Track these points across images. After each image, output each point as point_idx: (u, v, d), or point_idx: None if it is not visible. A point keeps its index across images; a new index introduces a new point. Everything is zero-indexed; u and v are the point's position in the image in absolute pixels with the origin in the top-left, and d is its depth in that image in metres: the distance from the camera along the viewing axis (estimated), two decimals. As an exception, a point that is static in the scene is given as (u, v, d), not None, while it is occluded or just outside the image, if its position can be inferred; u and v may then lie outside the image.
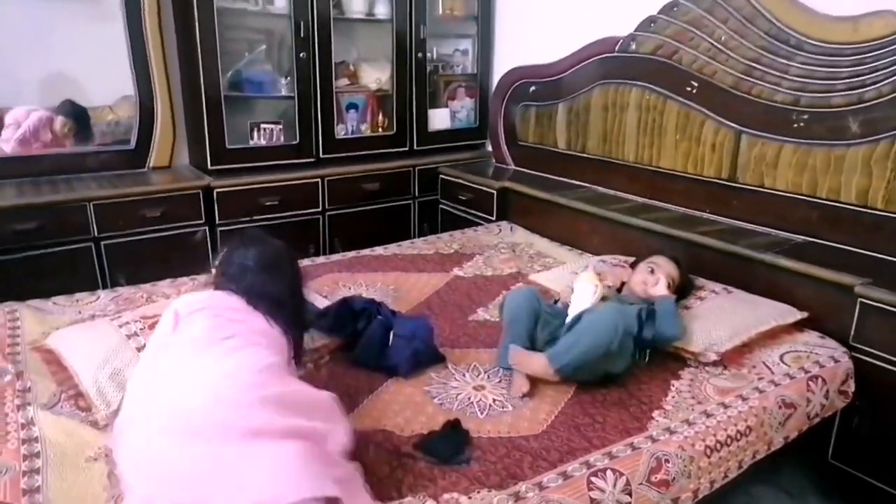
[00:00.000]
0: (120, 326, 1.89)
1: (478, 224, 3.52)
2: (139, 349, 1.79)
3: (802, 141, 2.41)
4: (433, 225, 3.83)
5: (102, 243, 2.92)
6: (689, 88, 2.77)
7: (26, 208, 2.75)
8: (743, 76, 2.57)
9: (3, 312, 2.18)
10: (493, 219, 3.46)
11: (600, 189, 3.23)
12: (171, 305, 1.63)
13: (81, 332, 1.90)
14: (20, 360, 1.88)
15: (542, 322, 1.99)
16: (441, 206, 3.82)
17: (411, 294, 2.52)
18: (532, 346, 1.95)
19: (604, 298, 2.10)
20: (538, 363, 1.83)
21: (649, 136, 2.97)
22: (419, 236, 3.76)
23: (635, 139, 3.04)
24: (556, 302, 2.21)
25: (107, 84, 3.19)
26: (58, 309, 2.27)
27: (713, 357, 1.96)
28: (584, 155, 3.32)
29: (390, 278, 2.66)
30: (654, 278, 2.14)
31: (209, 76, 3.10)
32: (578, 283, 2.07)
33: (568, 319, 2.00)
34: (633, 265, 2.32)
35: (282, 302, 1.66)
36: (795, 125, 2.41)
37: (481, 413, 1.74)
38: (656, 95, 2.90)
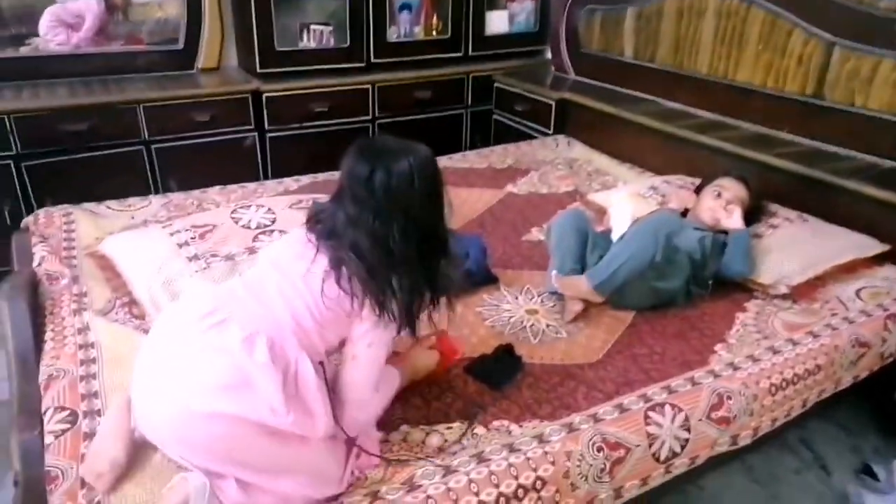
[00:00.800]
0: (171, 235, 1.88)
1: (532, 137, 3.36)
2: (190, 259, 1.78)
3: (905, 55, 2.16)
4: (486, 138, 3.67)
5: (153, 147, 2.90)
6: (778, -9, 2.49)
7: (78, 109, 2.72)
8: (843, -22, 2.29)
9: (58, 216, 2.19)
10: (551, 132, 3.29)
11: (668, 103, 3.01)
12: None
13: (134, 238, 1.90)
14: (76, 264, 1.90)
15: (591, 244, 1.90)
16: (495, 117, 3.65)
17: (462, 210, 2.43)
18: (582, 270, 1.88)
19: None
20: (578, 283, 1.76)
21: (727, 45, 2.72)
22: (471, 146, 3.64)
23: (710, 49, 2.79)
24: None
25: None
26: (111, 213, 2.27)
27: (784, 290, 1.84)
28: (653, 66, 3.08)
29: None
30: (722, 204, 2.00)
31: (258, -28, 2.94)
32: (614, 206, 1.96)
33: (614, 239, 1.91)
34: (697, 189, 2.17)
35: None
36: (900, 37, 2.16)
37: (534, 338, 1.69)
38: (739, 0, 2.63)
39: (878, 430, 2.14)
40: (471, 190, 2.61)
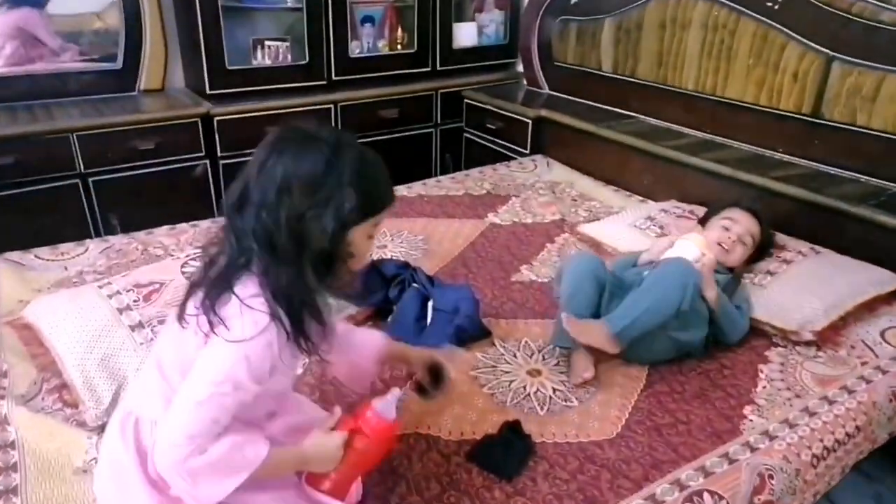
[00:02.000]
0: (110, 297, 1.60)
1: (507, 157, 3.16)
2: (133, 327, 1.51)
3: (912, 71, 2.02)
4: (456, 156, 3.46)
5: (90, 180, 2.59)
6: (770, 4, 2.34)
7: (1, 140, 2.40)
8: (841, -10, 2.15)
9: (-25, 271, 1.88)
10: (527, 152, 3.10)
11: (651, 120, 2.85)
12: None
13: (65, 303, 1.60)
14: (-6, 335, 1.60)
15: (609, 294, 1.69)
16: (466, 134, 3.44)
17: (443, 246, 2.21)
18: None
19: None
20: (596, 329, 1.55)
21: (715, 59, 2.56)
22: (441, 169, 3.43)
23: (697, 63, 2.63)
24: (634, 264, 1.87)
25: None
26: (40, 264, 1.97)
27: (808, 336, 1.67)
28: (634, 80, 2.91)
29: (418, 226, 2.35)
30: (732, 238, 1.82)
31: (204, -20, 2.67)
32: (682, 241, 1.76)
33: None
34: (702, 220, 1.99)
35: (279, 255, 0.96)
36: (905, 52, 2.03)
37: (541, 408, 1.47)
38: (727, 11, 2.47)
39: (896, 474, 2.00)
40: (450, 221, 2.38)
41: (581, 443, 1.37)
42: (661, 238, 1.98)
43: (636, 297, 1.58)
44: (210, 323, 0.96)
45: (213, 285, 0.98)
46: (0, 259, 1.96)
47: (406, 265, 1.83)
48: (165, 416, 0.96)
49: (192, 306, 1.00)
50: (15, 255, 1.99)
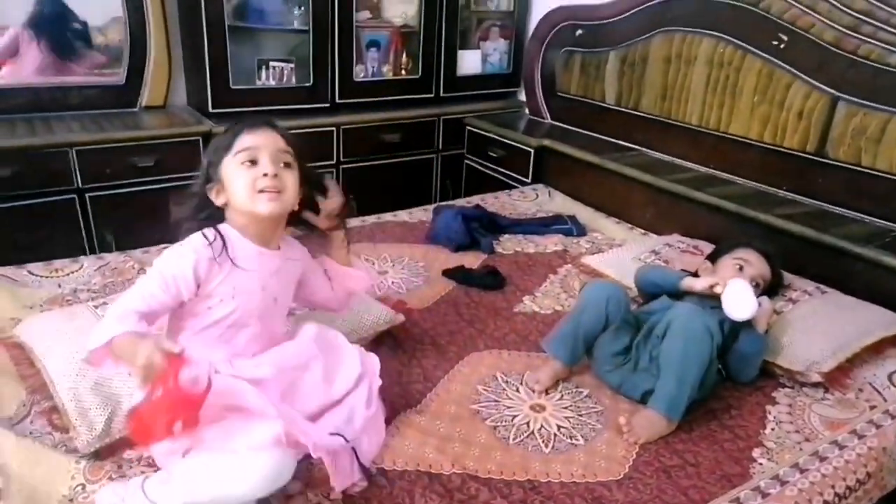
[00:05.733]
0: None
1: (508, 185, 3.15)
2: (128, 350, 1.46)
3: (917, 114, 2.03)
4: (457, 183, 3.45)
5: (87, 195, 2.55)
6: (776, 42, 2.35)
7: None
8: (848, 31, 2.16)
9: (-32, 285, 1.83)
10: (528, 181, 3.09)
11: (654, 153, 2.84)
12: None
13: (59, 322, 1.55)
14: (-17, 353, 1.55)
15: (615, 330, 1.65)
16: (467, 161, 3.43)
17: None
18: (586, 351, 1.67)
19: (680, 297, 1.76)
20: (657, 423, 1.48)
21: (720, 95, 2.57)
22: (441, 196, 3.41)
23: (702, 98, 2.64)
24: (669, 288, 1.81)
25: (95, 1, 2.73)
26: (34, 281, 1.92)
27: (816, 378, 1.64)
28: (637, 112, 2.92)
29: (418, 252, 2.32)
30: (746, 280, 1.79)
31: (212, 1, 2.66)
32: (740, 287, 1.65)
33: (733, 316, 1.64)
34: (711, 256, 1.97)
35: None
36: (911, 95, 2.04)
37: (546, 446, 1.43)
38: (733, 49, 2.49)
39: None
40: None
41: (588, 483, 1.33)
42: (702, 267, 1.90)
43: (676, 368, 1.50)
44: None
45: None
46: (-8, 274, 1.91)
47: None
48: None
49: None
50: (8, 271, 1.95)
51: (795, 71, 2.32)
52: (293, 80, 2.99)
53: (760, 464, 1.41)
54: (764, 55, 2.40)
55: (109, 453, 1.30)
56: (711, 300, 1.69)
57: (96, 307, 1.59)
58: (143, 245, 2.18)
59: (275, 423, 1.15)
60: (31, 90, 2.66)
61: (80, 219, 2.55)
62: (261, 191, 1.25)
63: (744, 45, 2.45)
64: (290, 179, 1.29)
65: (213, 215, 1.31)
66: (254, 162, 1.26)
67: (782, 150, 2.39)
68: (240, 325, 1.31)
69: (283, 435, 1.13)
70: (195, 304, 1.28)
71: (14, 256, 2.04)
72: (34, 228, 2.44)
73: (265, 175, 1.25)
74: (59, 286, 1.91)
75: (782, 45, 2.34)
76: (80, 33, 2.75)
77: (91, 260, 2.08)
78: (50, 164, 2.45)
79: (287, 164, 1.30)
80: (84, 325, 1.51)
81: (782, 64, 2.35)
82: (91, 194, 2.55)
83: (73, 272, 1.99)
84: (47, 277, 1.95)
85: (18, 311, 1.73)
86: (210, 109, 2.79)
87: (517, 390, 1.61)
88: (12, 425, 1.34)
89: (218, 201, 1.30)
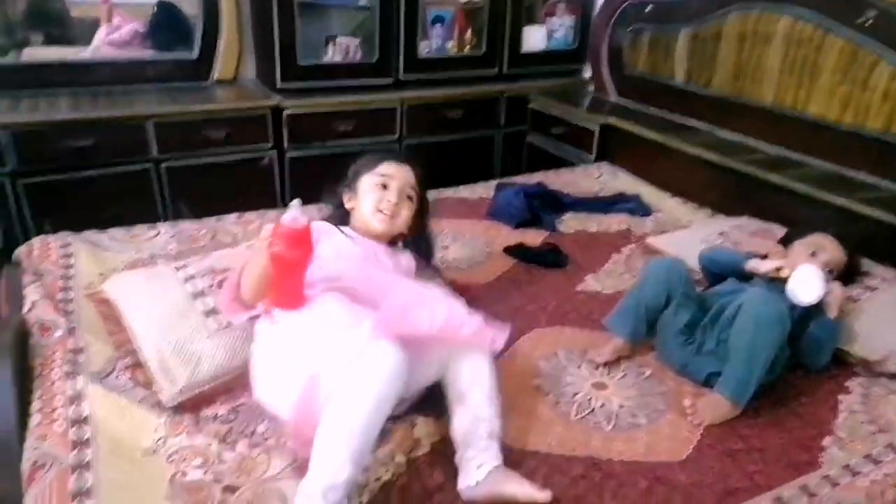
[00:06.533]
0: (185, 280, 1.62)
1: (571, 163, 3.11)
2: (207, 313, 1.53)
3: None
4: (517, 161, 3.43)
5: (163, 165, 2.65)
6: (861, 19, 2.24)
7: (81, 123, 2.48)
8: (943, 6, 2.04)
9: (55, 247, 1.94)
10: (592, 158, 3.05)
11: (723, 133, 2.76)
12: None
13: (143, 281, 1.64)
14: (73, 310, 1.64)
15: (677, 306, 1.64)
16: (529, 139, 3.41)
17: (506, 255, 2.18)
18: (649, 329, 1.67)
19: (748, 280, 1.72)
20: (722, 406, 1.46)
21: (797, 75, 2.47)
22: (502, 174, 3.39)
23: (777, 78, 2.54)
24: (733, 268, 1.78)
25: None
26: (114, 245, 2.02)
27: (893, 368, 1.59)
28: (707, 92, 2.83)
29: (479, 229, 2.33)
30: (819, 265, 1.73)
31: (282, -23, 2.71)
32: (805, 272, 1.60)
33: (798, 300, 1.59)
34: (783, 240, 1.91)
35: None
36: None
37: (608, 424, 1.43)
38: (814, 26, 2.38)
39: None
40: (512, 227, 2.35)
41: (650, 462, 1.33)
42: (772, 248, 1.86)
43: (746, 352, 1.46)
44: None
45: None
46: (77, 238, 2.01)
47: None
48: None
49: None
50: (91, 236, 2.05)
51: (883, 49, 2.20)
52: (359, 55, 3.01)
53: (831, 452, 1.38)
54: (848, 32, 2.28)
55: (189, 408, 1.37)
56: (779, 284, 1.65)
57: (177, 269, 1.67)
58: (213, 214, 2.26)
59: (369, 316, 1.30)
60: (112, 63, 2.78)
61: (156, 188, 2.65)
62: (380, 210, 1.54)
63: (826, 21, 2.34)
64: (406, 211, 1.58)
65: (343, 217, 1.63)
66: (385, 186, 1.56)
67: (863, 132, 2.28)
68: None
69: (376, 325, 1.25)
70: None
71: (96, 222, 2.14)
72: (113, 197, 2.56)
73: (389, 201, 1.54)
74: (138, 251, 2.00)
75: (868, 22, 2.23)
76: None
77: (167, 227, 2.17)
78: (129, 136, 2.56)
79: (409, 197, 1.58)
80: (166, 285, 1.59)
81: (868, 42, 2.23)
82: (166, 165, 2.65)
83: (150, 238, 2.08)
84: (127, 242, 2.04)
85: (103, 271, 1.82)
86: (278, 84, 2.85)
87: (579, 367, 1.61)
88: (100, 379, 1.42)
89: (347, 205, 1.63)
